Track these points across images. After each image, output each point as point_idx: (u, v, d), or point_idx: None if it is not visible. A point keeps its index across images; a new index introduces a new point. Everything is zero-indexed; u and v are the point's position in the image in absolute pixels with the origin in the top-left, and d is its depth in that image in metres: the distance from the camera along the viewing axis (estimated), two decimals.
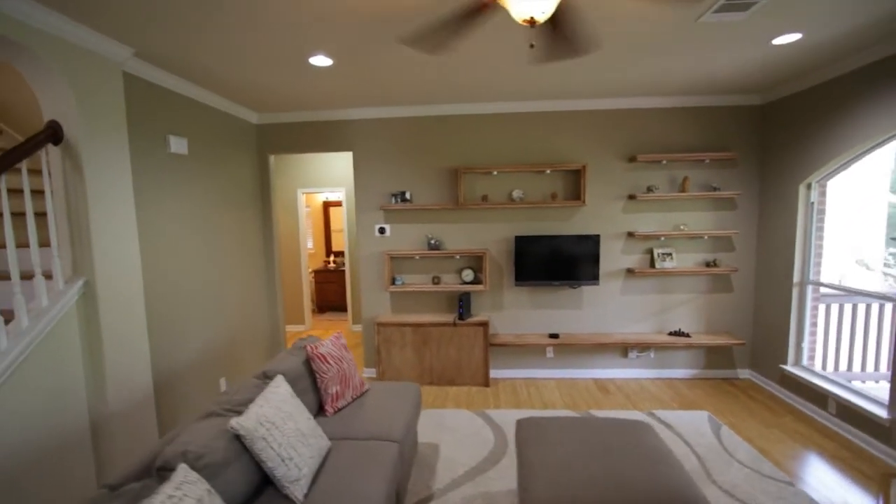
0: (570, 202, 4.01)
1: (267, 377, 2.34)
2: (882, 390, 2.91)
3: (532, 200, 4.13)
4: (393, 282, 4.26)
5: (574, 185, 4.10)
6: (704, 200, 4.05)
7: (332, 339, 2.82)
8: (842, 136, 3.17)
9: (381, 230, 4.29)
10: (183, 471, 1.44)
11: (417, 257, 4.29)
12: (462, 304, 4.08)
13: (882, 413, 2.82)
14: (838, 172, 3.38)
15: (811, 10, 2.28)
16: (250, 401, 2.01)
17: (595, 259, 4.01)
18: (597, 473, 1.92)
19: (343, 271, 7.20)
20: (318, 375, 2.58)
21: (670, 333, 4.14)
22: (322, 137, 4.25)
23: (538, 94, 3.76)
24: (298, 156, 5.93)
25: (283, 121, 4.25)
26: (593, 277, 4.03)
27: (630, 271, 4.13)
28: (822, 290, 3.59)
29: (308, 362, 2.62)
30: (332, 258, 7.65)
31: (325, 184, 6.03)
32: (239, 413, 1.93)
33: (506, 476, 2.69)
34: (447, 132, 4.15)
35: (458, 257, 4.26)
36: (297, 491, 1.79)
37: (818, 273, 3.57)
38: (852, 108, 3.07)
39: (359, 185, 4.27)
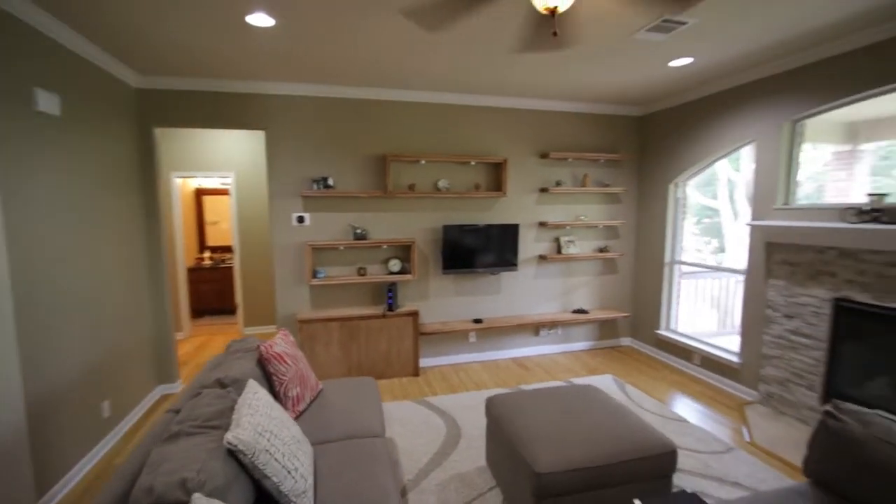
0: (492, 193, 4.23)
1: (223, 385, 1.98)
2: (734, 343, 3.79)
3: (457, 191, 4.24)
4: (314, 275, 3.94)
5: (496, 177, 4.34)
6: (598, 195, 4.69)
7: (282, 336, 2.51)
8: (701, 147, 4.00)
9: (300, 219, 3.92)
10: (203, 502, 1.16)
11: (342, 248, 4.04)
12: (392, 295, 3.99)
13: (735, 359, 3.68)
14: (697, 175, 4.26)
15: (708, 39, 2.84)
16: (223, 412, 1.69)
17: (514, 247, 4.31)
18: (580, 432, 2.12)
19: (225, 268, 6.36)
20: (275, 378, 2.28)
21: (573, 311, 4.69)
22: (227, 112, 3.68)
23: (466, 87, 3.87)
24: (171, 134, 5.02)
25: (175, 87, 3.56)
26: (513, 264, 4.34)
27: (542, 257, 4.55)
28: (685, 267, 4.50)
29: (261, 364, 2.29)
30: (206, 254, 6.66)
31: (205, 167, 5.22)
32: (216, 428, 1.61)
33: (469, 457, 2.76)
34: (375, 117, 3.99)
35: (385, 247, 4.15)
36: (307, 503, 1.58)
37: (681, 254, 4.45)
38: (709, 125, 3.90)
39: (273, 170, 3.82)
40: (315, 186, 3.86)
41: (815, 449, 1.77)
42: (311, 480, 1.65)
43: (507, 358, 4.55)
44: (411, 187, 4.09)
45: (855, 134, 3.33)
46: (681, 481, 2.50)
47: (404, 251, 4.20)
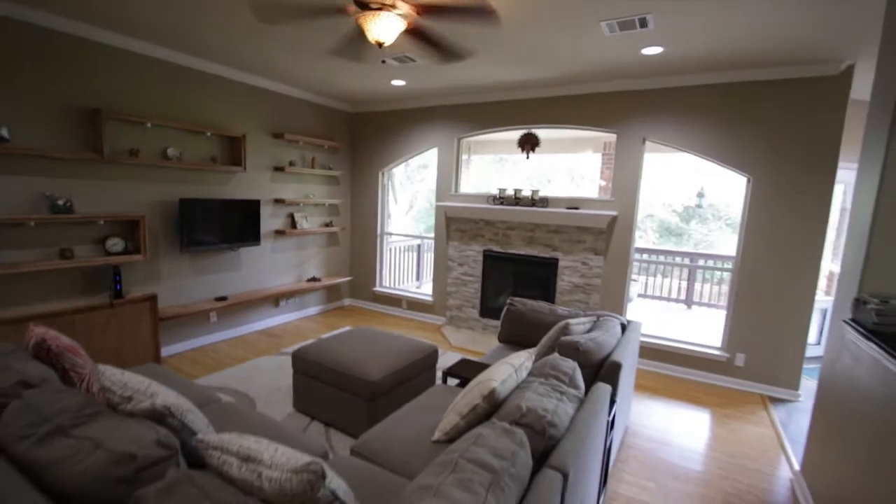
0: (230, 167, 4.16)
1: (30, 385, 1.58)
2: (427, 288, 5.40)
3: (190, 161, 3.92)
4: None
5: (233, 152, 4.25)
6: (323, 177, 5.35)
7: (43, 329, 1.99)
8: (401, 145, 5.35)
9: None
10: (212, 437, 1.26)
11: (33, 223, 3.02)
12: (119, 279, 3.37)
13: (429, 299, 5.30)
14: (395, 167, 5.63)
15: (420, 73, 4.04)
16: (90, 402, 1.48)
17: (256, 222, 4.41)
18: (382, 352, 2.89)
19: None
20: (73, 374, 1.87)
21: (308, 280, 5.22)
22: None
23: (206, 52, 3.65)
24: None
25: None
26: (254, 239, 4.43)
27: (279, 232, 4.82)
28: (391, 237, 5.85)
29: (47, 361, 1.83)
30: None
31: None
32: (99, 413, 1.43)
33: (274, 412, 2.99)
34: (78, 59, 3.14)
35: (101, 223, 3.37)
36: None
37: (387, 227, 5.78)
38: (407, 130, 5.28)
39: None
40: None
41: (504, 323, 3.27)
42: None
43: (252, 331, 4.62)
44: (134, 152, 3.50)
45: (468, 149, 5.48)
46: None
47: (128, 228, 3.55)
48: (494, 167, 11.74)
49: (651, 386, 3.81)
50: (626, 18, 2.68)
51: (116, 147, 3.41)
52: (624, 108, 4.04)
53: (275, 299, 4.90)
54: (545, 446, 1.49)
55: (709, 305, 6.48)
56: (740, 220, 3.76)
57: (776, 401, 3.61)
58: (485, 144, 6.43)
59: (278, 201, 4.77)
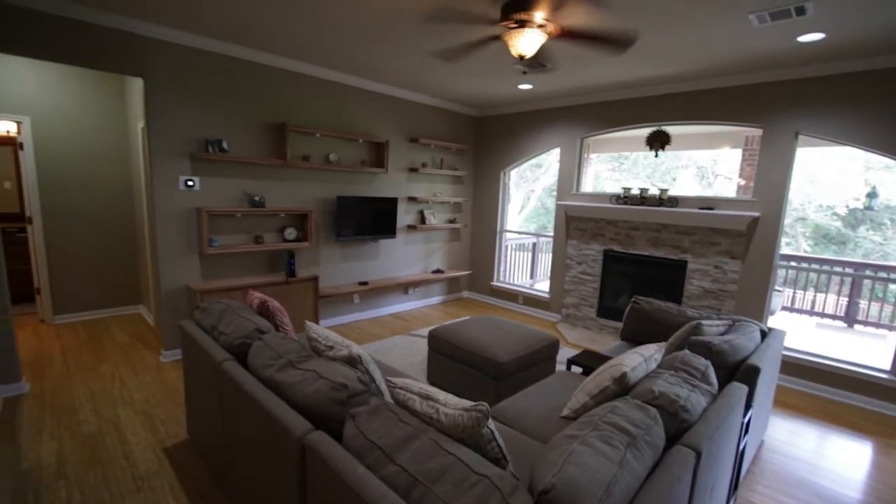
0: (375, 169, 4.79)
1: (262, 332, 2.16)
2: (545, 286, 5.54)
3: (346, 165, 4.61)
4: (209, 243, 3.72)
5: (378, 155, 4.89)
6: (450, 177, 5.80)
7: (261, 293, 2.63)
8: (523, 146, 5.56)
9: (189, 183, 3.61)
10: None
11: (239, 215, 3.90)
12: (293, 262, 4.14)
13: (546, 296, 5.44)
14: (517, 167, 5.85)
15: (546, 78, 4.20)
16: (303, 347, 1.98)
17: (394, 217, 5.01)
18: (508, 338, 3.15)
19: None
20: (282, 329, 2.47)
21: (432, 272, 5.73)
22: (89, 45, 3.06)
23: (359, 70, 4.28)
24: None
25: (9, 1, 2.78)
26: (391, 232, 5.02)
27: (411, 227, 5.38)
28: (508, 234, 6.11)
29: (266, 318, 2.44)
30: None
31: None
32: (308, 357, 1.91)
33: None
34: (274, 84, 3.96)
35: (283, 215, 4.20)
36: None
37: (506, 225, 6.04)
38: (530, 131, 5.47)
39: (156, 125, 3.39)
40: (210, 149, 3.63)
41: (627, 322, 3.31)
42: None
43: (386, 314, 5.25)
44: (306, 158, 4.26)
45: (587, 147, 5.40)
46: None
47: (299, 220, 4.34)
48: (610, 164, 11.27)
49: (795, 404, 3.48)
50: (781, 9, 2.55)
51: (294, 154, 4.20)
52: (772, 99, 3.73)
53: (404, 287, 5.48)
54: (676, 429, 1.60)
55: (877, 325, 5.53)
56: None
57: None
58: (604, 142, 6.29)
59: (411, 199, 5.33)
